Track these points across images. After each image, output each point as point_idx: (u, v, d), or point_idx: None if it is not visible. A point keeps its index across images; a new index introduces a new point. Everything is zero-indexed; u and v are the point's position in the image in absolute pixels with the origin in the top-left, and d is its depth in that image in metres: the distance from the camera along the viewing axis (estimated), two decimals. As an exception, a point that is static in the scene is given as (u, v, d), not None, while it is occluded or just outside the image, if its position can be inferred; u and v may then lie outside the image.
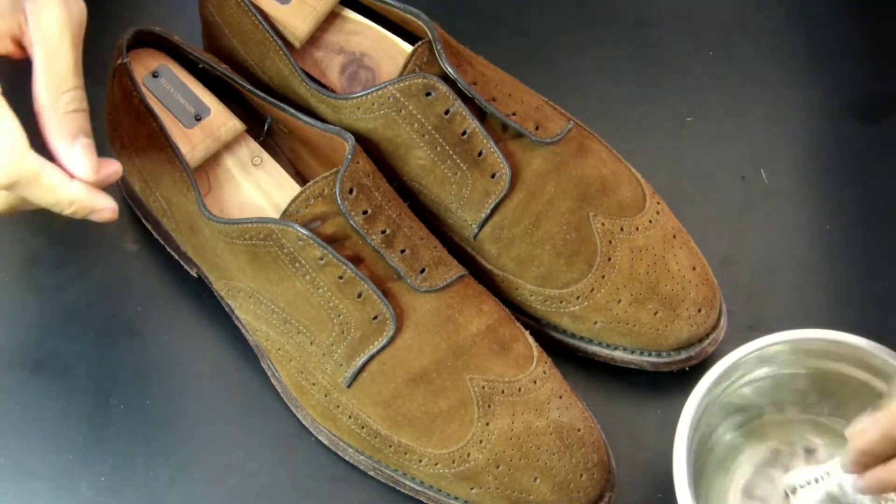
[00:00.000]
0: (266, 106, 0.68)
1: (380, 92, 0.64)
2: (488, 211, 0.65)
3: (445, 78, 0.64)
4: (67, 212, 0.56)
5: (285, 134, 0.69)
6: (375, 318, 0.61)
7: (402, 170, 0.66)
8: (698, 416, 0.59)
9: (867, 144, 0.76)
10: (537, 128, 0.66)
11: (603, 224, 0.66)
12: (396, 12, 0.68)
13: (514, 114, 0.65)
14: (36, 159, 0.55)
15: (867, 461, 0.55)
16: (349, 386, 0.62)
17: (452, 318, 0.62)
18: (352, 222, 0.61)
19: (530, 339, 0.64)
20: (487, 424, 0.60)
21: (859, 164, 0.76)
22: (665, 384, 0.67)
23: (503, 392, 0.61)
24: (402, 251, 0.62)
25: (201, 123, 0.67)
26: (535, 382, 0.61)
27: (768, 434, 0.65)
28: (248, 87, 0.67)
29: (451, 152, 0.65)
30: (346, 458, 0.64)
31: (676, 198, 0.70)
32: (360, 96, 0.65)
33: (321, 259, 0.60)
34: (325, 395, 0.63)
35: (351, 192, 0.61)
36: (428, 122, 0.64)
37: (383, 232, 0.61)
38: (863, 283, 0.71)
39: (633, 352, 0.66)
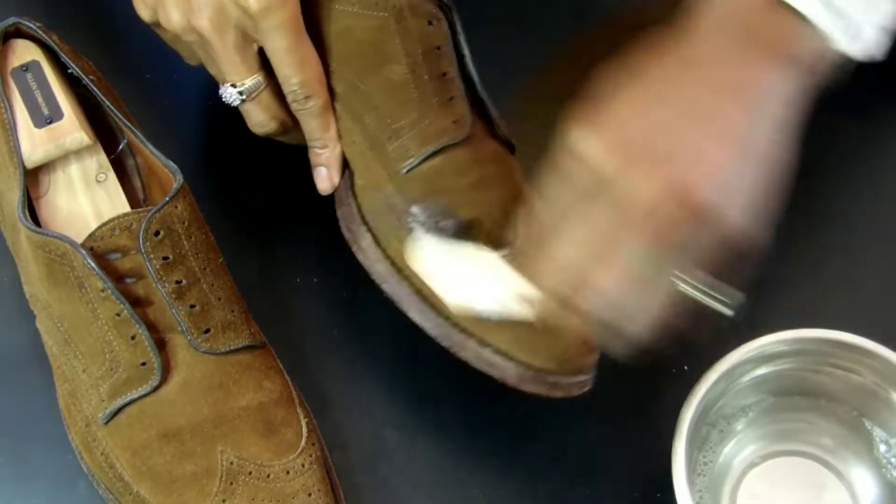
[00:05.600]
0: (121, 126, 0.67)
1: None
2: (437, 147, 0.63)
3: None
4: (317, 153, 0.67)
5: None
6: (143, 364, 0.60)
7: (367, 80, 0.65)
8: (698, 416, 0.59)
9: (867, 144, 0.76)
10: (500, 117, 0.66)
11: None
12: None
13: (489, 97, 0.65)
14: (328, 96, 0.65)
15: None
16: (106, 423, 0.61)
17: (224, 386, 0.61)
18: (148, 264, 0.60)
19: (305, 429, 0.62)
20: (223, 501, 0.59)
21: (859, 164, 0.76)
22: (664, 384, 0.67)
23: (250, 473, 0.59)
24: (192, 306, 0.61)
25: (50, 127, 0.66)
26: (287, 473, 0.60)
27: (769, 433, 0.65)
28: (108, 103, 0.67)
29: (428, 82, 0.64)
30: (100, 493, 0.63)
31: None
32: None
33: (102, 291, 0.60)
34: (86, 426, 0.62)
35: (157, 234, 0.60)
36: (419, 46, 0.64)
37: (178, 282, 0.60)
38: (863, 282, 0.71)
39: (503, 354, 0.61)
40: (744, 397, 0.64)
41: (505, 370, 0.61)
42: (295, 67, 0.64)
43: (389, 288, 0.64)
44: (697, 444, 0.62)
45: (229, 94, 0.65)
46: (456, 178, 0.63)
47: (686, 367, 0.67)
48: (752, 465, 0.64)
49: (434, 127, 0.64)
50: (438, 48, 0.64)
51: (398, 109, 0.64)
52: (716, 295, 0.54)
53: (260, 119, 0.66)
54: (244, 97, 0.65)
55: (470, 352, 0.61)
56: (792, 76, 0.55)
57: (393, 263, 0.63)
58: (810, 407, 0.64)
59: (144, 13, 0.65)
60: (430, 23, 0.64)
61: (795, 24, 0.55)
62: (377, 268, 0.64)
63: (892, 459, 0.63)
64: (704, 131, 0.52)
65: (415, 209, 0.63)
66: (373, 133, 0.65)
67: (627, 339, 0.54)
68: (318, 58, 0.65)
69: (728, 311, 0.54)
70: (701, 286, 0.53)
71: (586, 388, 0.62)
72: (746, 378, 0.63)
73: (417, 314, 0.63)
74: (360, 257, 0.65)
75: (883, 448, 0.63)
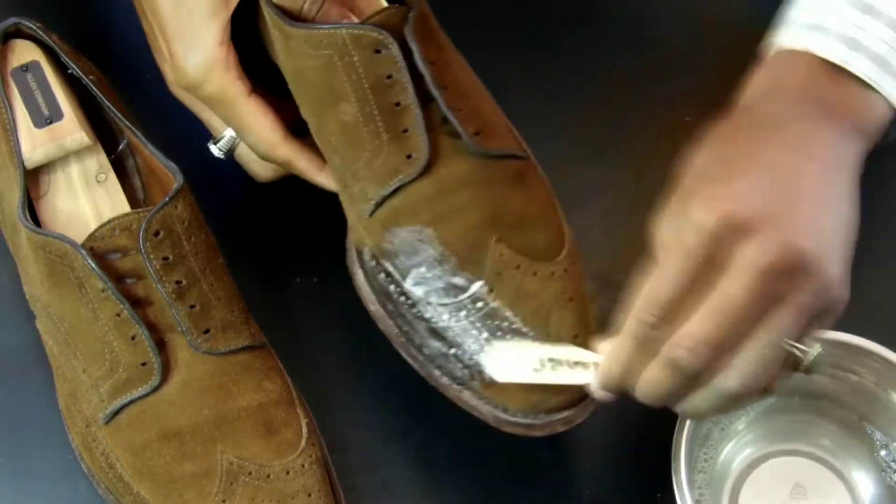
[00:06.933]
0: (121, 126, 0.68)
1: (331, 31, 0.61)
2: (390, 189, 0.61)
3: (404, 48, 0.61)
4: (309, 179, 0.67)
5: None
6: (143, 364, 0.60)
7: (325, 122, 0.63)
8: (698, 416, 0.59)
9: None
10: (477, 133, 0.62)
11: (502, 254, 0.60)
12: None
13: (459, 110, 0.61)
14: (289, 150, 0.65)
15: None
16: (106, 424, 0.61)
17: (224, 386, 0.61)
18: (148, 265, 0.60)
19: (305, 429, 0.62)
20: (223, 502, 0.59)
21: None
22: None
23: (250, 474, 0.59)
24: (192, 306, 0.61)
25: (50, 127, 0.67)
26: (287, 473, 0.60)
27: (770, 433, 0.65)
28: (108, 103, 0.67)
29: (377, 117, 0.61)
30: (100, 493, 0.63)
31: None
32: (312, 29, 0.61)
33: (103, 292, 0.60)
34: (87, 426, 0.62)
35: (157, 234, 0.60)
36: (367, 79, 0.61)
37: (178, 282, 0.60)
38: (863, 283, 0.71)
39: (480, 397, 0.61)
40: (744, 397, 0.64)
41: (485, 413, 0.61)
42: (242, 131, 0.66)
43: (381, 325, 0.64)
44: (699, 440, 0.62)
45: (212, 150, 0.70)
46: (411, 218, 0.62)
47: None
48: (753, 464, 0.64)
49: (386, 167, 0.62)
50: (389, 77, 0.60)
51: (353, 151, 0.62)
52: (800, 346, 0.54)
53: (251, 170, 0.70)
54: (222, 152, 0.69)
55: (451, 392, 0.62)
56: (858, 137, 0.56)
57: (382, 303, 0.64)
58: (811, 408, 0.64)
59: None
60: (377, 51, 0.60)
61: (859, 89, 0.57)
62: (369, 307, 0.65)
63: (893, 463, 0.63)
64: (798, 193, 0.53)
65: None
66: (340, 176, 0.64)
67: (723, 400, 0.53)
68: (267, 113, 0.65)
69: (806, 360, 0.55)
70: (790, 341, 0.53)
71: (574, 423, 0.61)
72: (747, 378, 0.63)
73: (405, 352, 0.64)
74: (358, 291, 0.65)
75: (884, 452, 0.63)
